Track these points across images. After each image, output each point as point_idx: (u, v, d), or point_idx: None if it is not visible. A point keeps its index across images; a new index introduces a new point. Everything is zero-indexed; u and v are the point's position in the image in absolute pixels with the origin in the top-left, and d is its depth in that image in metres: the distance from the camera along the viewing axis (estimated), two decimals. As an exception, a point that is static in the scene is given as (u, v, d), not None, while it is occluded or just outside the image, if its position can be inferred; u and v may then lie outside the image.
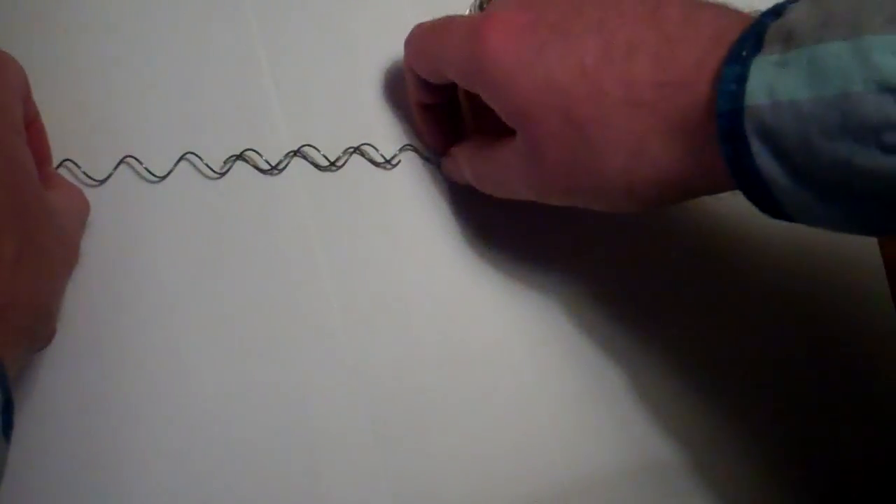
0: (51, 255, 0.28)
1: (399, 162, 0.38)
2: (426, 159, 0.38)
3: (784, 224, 0.27)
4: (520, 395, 0.37)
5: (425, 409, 0.36)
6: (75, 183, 0.34)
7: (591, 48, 0.29)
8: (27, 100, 0.31)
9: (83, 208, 0.33)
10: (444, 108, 0.37)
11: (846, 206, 0.25)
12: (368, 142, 0.37)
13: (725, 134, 0.25)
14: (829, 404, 0.41)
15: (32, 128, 0.31)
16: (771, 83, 0.24)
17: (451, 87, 0.35)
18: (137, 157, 0.34)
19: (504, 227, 0.38)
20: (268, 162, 0.36)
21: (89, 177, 0.34)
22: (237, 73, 0.36)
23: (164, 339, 0.33)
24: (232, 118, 0.36)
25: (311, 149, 0.36)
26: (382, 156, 0.37)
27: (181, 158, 0.35)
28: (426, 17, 0.35)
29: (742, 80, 0.25)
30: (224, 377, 0.34)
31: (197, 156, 0.35)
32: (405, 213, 0.37)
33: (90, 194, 0.33)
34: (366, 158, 0.37)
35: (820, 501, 0.40)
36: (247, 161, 0.36)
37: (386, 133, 0.38)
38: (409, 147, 0.38)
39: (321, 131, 0.37)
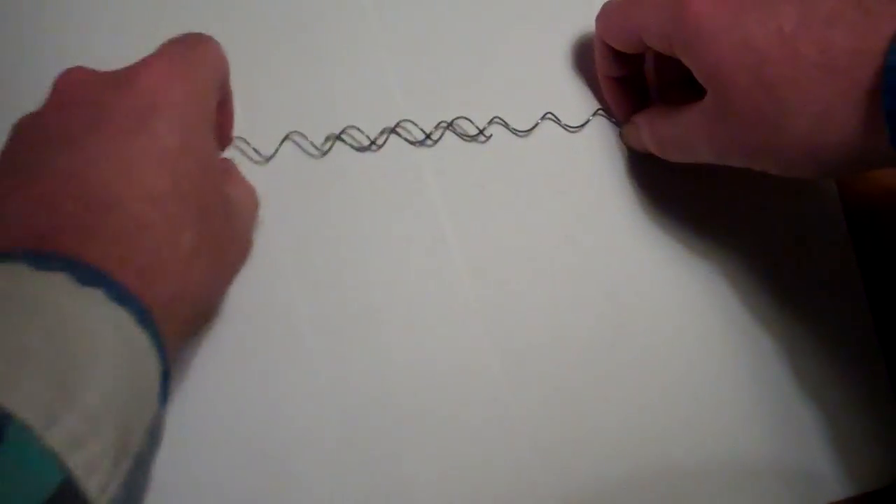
0: (225, 251, 0.29)
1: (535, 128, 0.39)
2: (462, 136, 0.38)
3: (757, 207, 0.28)
4: (493, 390, 0.37)
5: (399, 414, 0.36)
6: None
7: (791, 15, 0.30)
8: (223, 85, 0.32)
9: (256, 205, 0.34)
10: (631, 82, 0.38)
11: None
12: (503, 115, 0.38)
13: (891, 88, 0.26)
14: (799, 399, 0.39)
15: (224, 108, 0.33)
16: None
17: (638, 60, 0.37)
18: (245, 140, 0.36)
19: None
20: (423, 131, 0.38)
21: (258, 153, 0.35)
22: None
23: None
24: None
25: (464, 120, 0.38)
26: (476, 128, 0.38)
27: (285, 139, 0.36)
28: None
29: None
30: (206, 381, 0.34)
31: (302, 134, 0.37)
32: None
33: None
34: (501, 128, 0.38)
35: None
36: (398, 134, 0.37)
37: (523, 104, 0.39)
38: (549, 115, 0.39)
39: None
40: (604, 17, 0.37)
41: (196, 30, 0.31)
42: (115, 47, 0.31)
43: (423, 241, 0.37)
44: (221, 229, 0.29)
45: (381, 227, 0.37)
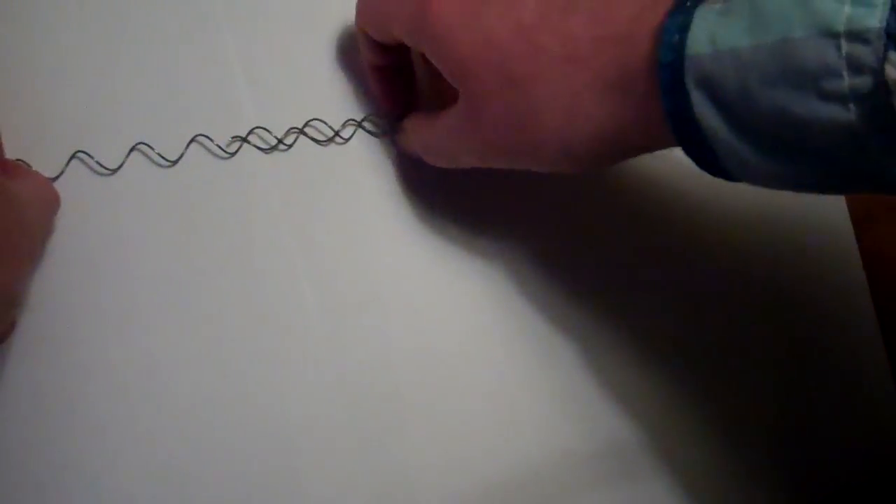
0: (8, 244, 0.28)
1: (351, 137, 0.37)
2: (372, 133, 0.37)
3: (763, 206, 0.27)
4: (492, 379, 0.37)
5: (399, 403, 0.36)
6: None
7: (530, 6, 0.29)
8: None
9: (51, 198, 0.32)
10: (397, 71, 0.36)
11: (783, 160, 0.24)
12: (318, 117, 0.36)
13: (667, 85, 0.25)
14: (802, 394, 0.40)
15: None
16: (713, 31, 0.24)
17: (403, 49, 0.35)
18: (89, 152, 0.33)
19: (457, 203, 0.38)
20: (220, 147, 0.35)
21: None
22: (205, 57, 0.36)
23: (136, 335, 0.33)
24: (186, 102, 0.35)
25: (263, 130, 0.35)
26: (332, 129, 0.36)
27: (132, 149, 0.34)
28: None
29: (685, 29, 0.25)
30: (198, 375, 0.33)
31: (148, 145, 0.34)
32: (358, 190, 0.37)
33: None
34: (309, 137, 0.36)
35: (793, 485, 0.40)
36: (201, 145, 0.35)
37: (336, 107, 0.37)
38: (352, 122, 0.37)
39: (275, 110, 0.36)
40: (359, 4, 0.35)
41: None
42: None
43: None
44: (4, 223, 0.27)
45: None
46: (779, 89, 0.23)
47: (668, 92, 0.25)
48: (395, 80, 0.37)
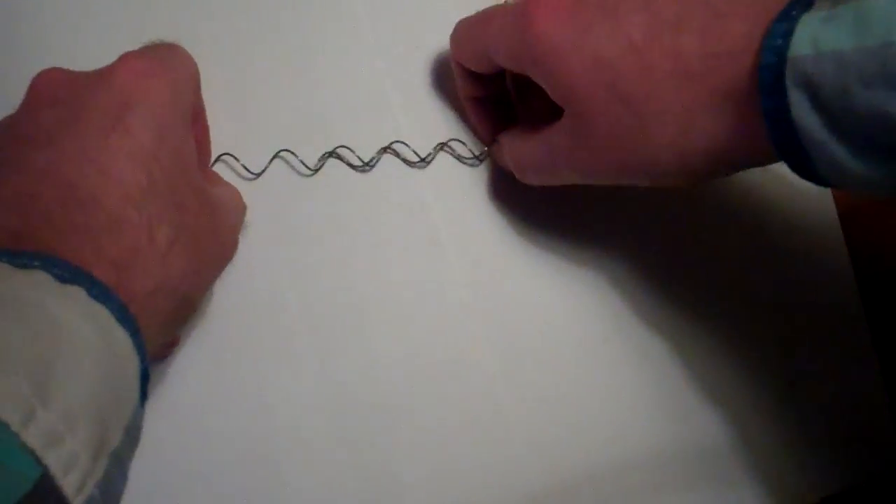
0: (205, 246, 0.29)
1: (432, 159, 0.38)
2: (459, 158, 0.38)
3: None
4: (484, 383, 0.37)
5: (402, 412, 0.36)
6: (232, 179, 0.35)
7: (639, 24, 0.29)
8: (196, 93, 0.32)
9: (242, 207, 0.34)
10: (494, 101, 0.37)
11: (878, 163, 0.25)
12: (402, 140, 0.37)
13: (767, 86, 0.26)
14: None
15: (198, 123, 0.32)
16: (816, 35, 0.25)
17: (499, 79, 0.36)
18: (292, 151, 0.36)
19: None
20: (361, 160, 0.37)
21: (247, 170, 0.35)
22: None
23: None
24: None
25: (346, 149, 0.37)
26: (416, 153, 0.37)
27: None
28: (467, 13, 0.36)
29: (788, 34, 0.25)
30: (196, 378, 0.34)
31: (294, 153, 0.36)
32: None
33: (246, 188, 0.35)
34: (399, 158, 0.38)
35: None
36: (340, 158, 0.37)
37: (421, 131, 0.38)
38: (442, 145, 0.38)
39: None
40: (455, 37, 0.36)
41: (190, 43, 0.32)
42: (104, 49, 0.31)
43: (416, 250, 0.37)
44: (201, 224, 0.29)
45: (374, 240, 0.37)
46: (878, 90, 0.23)
47: (767, 93, 0.26)
48: (492, 110, 0.37)
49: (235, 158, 0.35)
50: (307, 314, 0.36)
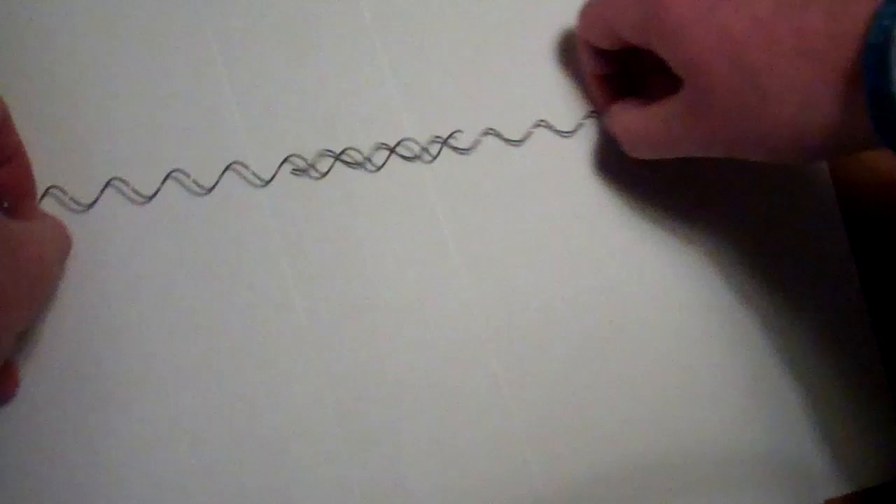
0: (6, 288, 0.27)
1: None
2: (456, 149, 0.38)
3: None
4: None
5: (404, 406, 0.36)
6: (61, 211, 0.33)
7: (766, 1, 0.30)
8: (4, 133, 0.30)
9: (64, 243, 0.33)
10: (617, 79, 0.38)
11: None
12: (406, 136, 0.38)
13: (871, 64, 0.26)
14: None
15: (13, 162, 0.31)
16: None
17: (622, 57, 0.37)
18: (124, 179, 0.34)
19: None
20: (257, 176, 0.36)
21: (76, 202, 0.34)
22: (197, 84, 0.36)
23: (142, 346, 0.34)
24: (216, 132, 0.36)
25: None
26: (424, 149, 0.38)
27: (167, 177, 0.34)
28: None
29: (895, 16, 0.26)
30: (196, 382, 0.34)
31: (184, 173, 0.35)
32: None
33: (77, 220, 0.33)
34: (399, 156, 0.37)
35: None
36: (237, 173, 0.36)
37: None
38: (542, 122, 0.38)
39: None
40: (583, 13, 0.37)
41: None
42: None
43: (423, 247, 0.37)
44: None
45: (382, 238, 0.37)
46: None
47: (871, 70, 0.26)
48: (615, 89, 0.38)
49: (63, 191, 0.34)
50: (312, 315, 0.36)
